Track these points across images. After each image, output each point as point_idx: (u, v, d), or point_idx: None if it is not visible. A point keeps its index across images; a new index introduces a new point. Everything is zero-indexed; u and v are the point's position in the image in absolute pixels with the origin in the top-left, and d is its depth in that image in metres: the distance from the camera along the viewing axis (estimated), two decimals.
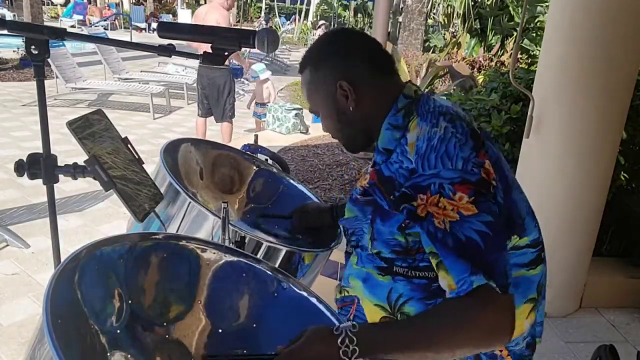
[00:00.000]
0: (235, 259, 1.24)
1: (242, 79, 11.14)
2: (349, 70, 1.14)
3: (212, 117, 5.66)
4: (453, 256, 0.94)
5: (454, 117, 1.06)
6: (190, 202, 1.43)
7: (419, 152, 1.01)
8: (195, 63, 9.01)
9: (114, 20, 20.71)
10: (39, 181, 1.24)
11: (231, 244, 1.29)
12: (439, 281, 0.98)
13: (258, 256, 1.34)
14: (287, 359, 0.98)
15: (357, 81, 1.14)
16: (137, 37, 17.17)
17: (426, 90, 6.07)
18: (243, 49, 1.48)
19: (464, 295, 0.92)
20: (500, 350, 1.19)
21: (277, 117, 6.29)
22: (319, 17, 24.95)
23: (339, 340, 0.96)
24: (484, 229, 0.93)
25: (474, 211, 0.94)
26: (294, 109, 6.26)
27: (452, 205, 0.95)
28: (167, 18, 22.56)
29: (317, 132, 6.66)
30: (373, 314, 1.17)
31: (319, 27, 20.25)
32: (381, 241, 1.10)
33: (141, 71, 10.17)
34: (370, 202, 1.12)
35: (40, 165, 1.24)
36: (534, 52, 6.09)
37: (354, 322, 0.99)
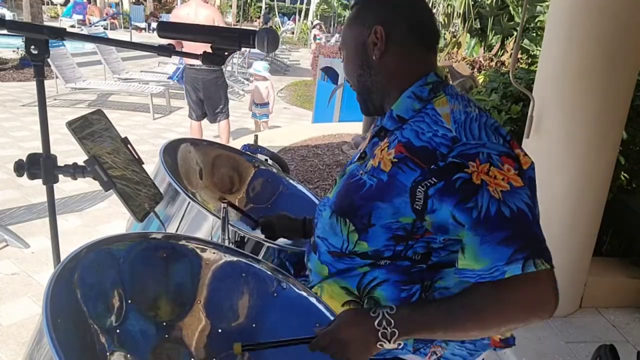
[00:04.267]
0: (235, 259, 1.24)
1: (242, 79, 11.16)
2: (391, 22, 1.10)
3: (205, 119, 5.57)
4: (492, 243, 0.92)
5: (482, 109, 1.07)
6: (189, 202, 1.43)
7: (458, 122, 1.00)
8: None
9: (110, 17, 20.66)
10: (39, 181, 1.24)
11: (231, 244, 1.29)
12: (460, 263, 0.97)
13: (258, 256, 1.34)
14: (323, 341, 1.00)
15: (393, 36, 1.10)
16: (136, 37, 17.17)
17: None
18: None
19: (503, 280, 0.92)
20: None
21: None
22: (318, 16, 24.94)
23: (376, 323, 0.97)
24: (529, 202, 0.95)
25: (521, 183, 0.95)
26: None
27: (502, 175, 0.94)
28: (166, 18, 22.52)
29: (317, 132, 6.66)
30: (337, 297, 1.14)
31: (314, 26, 20.23)
32: (380, 226, 1.05)
33: (141, 71, 10.16)
34: (370, 185, 1.07)
35: (40, 166, 1.24)
36: (534, 52, 6.09)
37: (392, 305, 1.01)
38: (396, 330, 0.97)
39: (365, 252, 1.08)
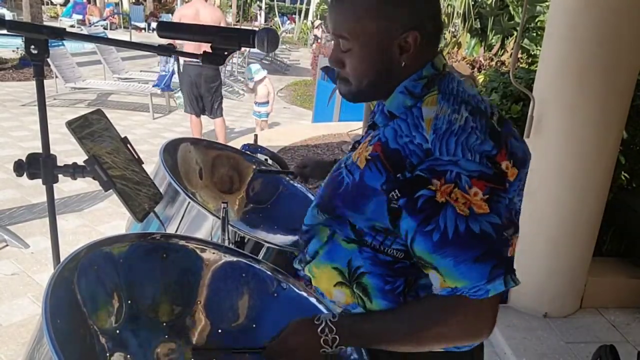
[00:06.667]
0: (235, 259, 1.24)
1: (242, 79, 11.14)
2: (424, 24, 0.98)
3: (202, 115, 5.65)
4: (468, 262, 0.90)
5: (475, 110, 0.98)
6: (189, 202, 1.43)
7: (437, 132, 0.92)
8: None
9: (111, 16, 20.64)
10: (39, 181, 1.24)
11: (231, 244, 1.29)
12: (448, 284, 0.93)
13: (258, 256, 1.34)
14: (273, 351, 1.03)
15: (424, 40, 0.99)
16: (136, 37, 17.17)
17: None
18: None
19: (455, 301, 0.92)
20: None
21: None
22: (318, 16, 24.92)
23: (319, 330, 1.00)
24: (490, 230, 0.90)
25: (485, 210, 0.90)
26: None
27: (465, 199, 0.89)
28: (166, 17, 22.50)
29: (317, 131, 6.66)
30: (329, 278, 1.13)
31: (317, 27, 20.24)
32: (363, 217, 1.02)
33: (141, 71, 10.17)
34: (346, 183, 1.05)
35: (39, 165, 1.23)
36: (534, 52, 6.08)
37: (334, 313, 1.05)
38: (337, 337, 1.00)
39: (353, 225, 1.07)
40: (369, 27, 0.98)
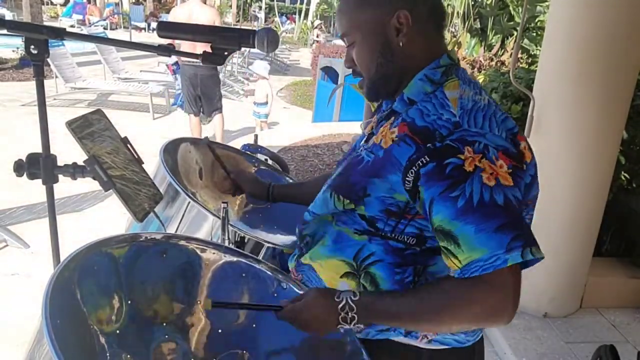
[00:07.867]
0: (235, 259, 1.24)
1: (242, 79, 11.15)
2: (415, 4, 1.04)
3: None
4: (488, 231, 0.89)
5: (491, 99, 1.05)
6: (189, 202, 1.43)
7: (464, 108, 0.97)
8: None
9: (111, 16, 20.64)
10: (39, 181, 1.24)
11: (231, 244, 1.29)
12: (462, 259, 0.92)
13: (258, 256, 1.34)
14: (288, 316, 1.05)
15: (416, 20, 1.05)
16: (136, 37, 17.16)
17: None
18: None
19: (474, 277, 0.91)
20: None
21: None
22: (318, 16, 24.91)
23: (340, 307, 1.01)
24: (513, 203, 0.92)
25: (510, 183, 0.92)
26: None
27: (492, 169, 0.91)
28: (166, 17, 22.49)
29: (317, 131, 6.67)
30: (335, 269, 1.13)
31: (316, 27, 20.25)
32: (375, 197, 1.04)
33: (141, 71, 10.16)
34: (367, 161, 1.06)
35: (39, 165, 1.23)
36: (534, 52, 6.08)
37: (355, 290, 1.04)
38: (356, 316, 1.01)
39: (363, 215, 1.07)
40: (361, 17, 1.07)
